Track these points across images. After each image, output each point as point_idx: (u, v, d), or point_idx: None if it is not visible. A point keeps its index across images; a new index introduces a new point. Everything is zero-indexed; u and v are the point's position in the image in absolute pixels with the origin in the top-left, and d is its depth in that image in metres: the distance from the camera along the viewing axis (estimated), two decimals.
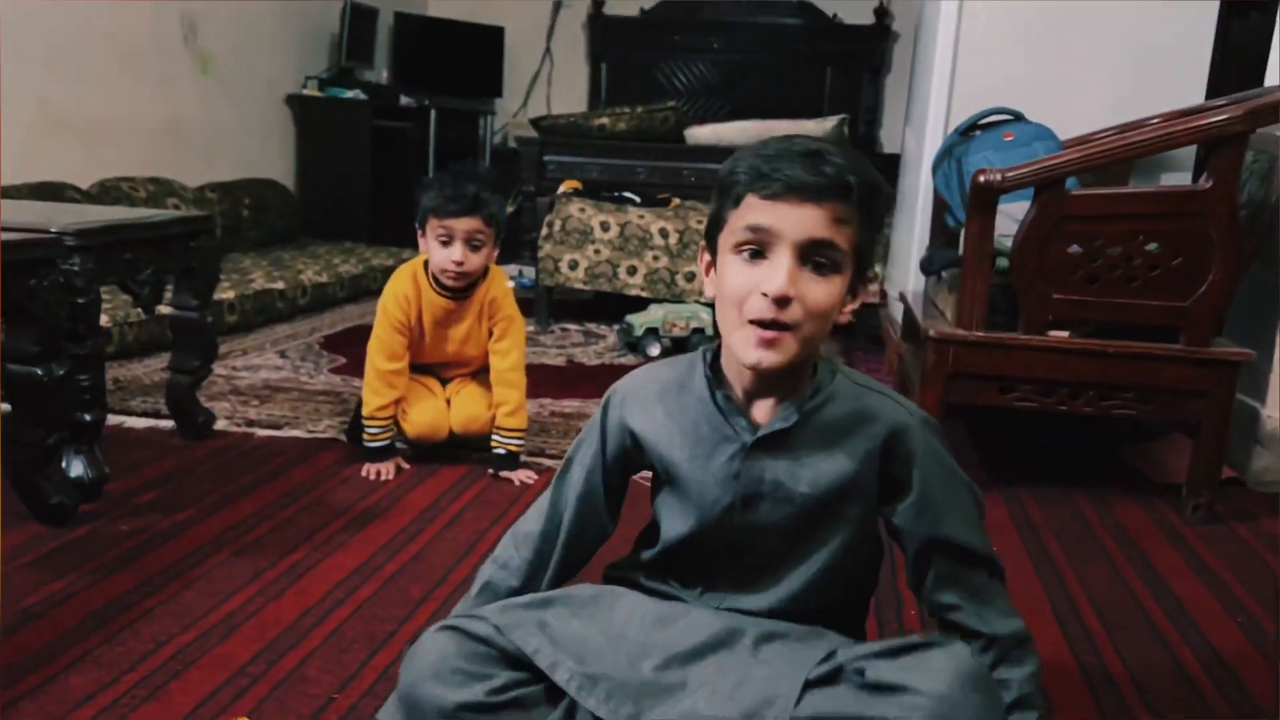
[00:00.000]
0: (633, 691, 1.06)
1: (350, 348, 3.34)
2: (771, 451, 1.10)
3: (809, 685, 1.04)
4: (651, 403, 1.16)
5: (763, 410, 1.11)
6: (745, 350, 1.04)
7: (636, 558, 1.24)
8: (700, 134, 4.67)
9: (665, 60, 5.92)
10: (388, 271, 4.37)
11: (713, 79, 5.89)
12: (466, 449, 2.35)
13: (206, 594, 1.64)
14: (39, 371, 1.73)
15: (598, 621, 1.14)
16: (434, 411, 2.29)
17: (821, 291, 1.02)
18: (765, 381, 1.09)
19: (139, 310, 2.82)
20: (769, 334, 1.02)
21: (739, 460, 1.10)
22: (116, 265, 1.97)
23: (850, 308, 1.07)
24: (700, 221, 3.89)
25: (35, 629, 1.50)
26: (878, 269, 3.74)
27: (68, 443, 1.89)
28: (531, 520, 1.26)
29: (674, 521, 1.17)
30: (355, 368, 2.91)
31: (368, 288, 4.38)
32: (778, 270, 1.00)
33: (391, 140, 5.25)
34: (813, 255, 1.01)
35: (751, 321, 1.02)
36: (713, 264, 1.09)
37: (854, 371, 1.15)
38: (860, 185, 1.02)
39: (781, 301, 1.00)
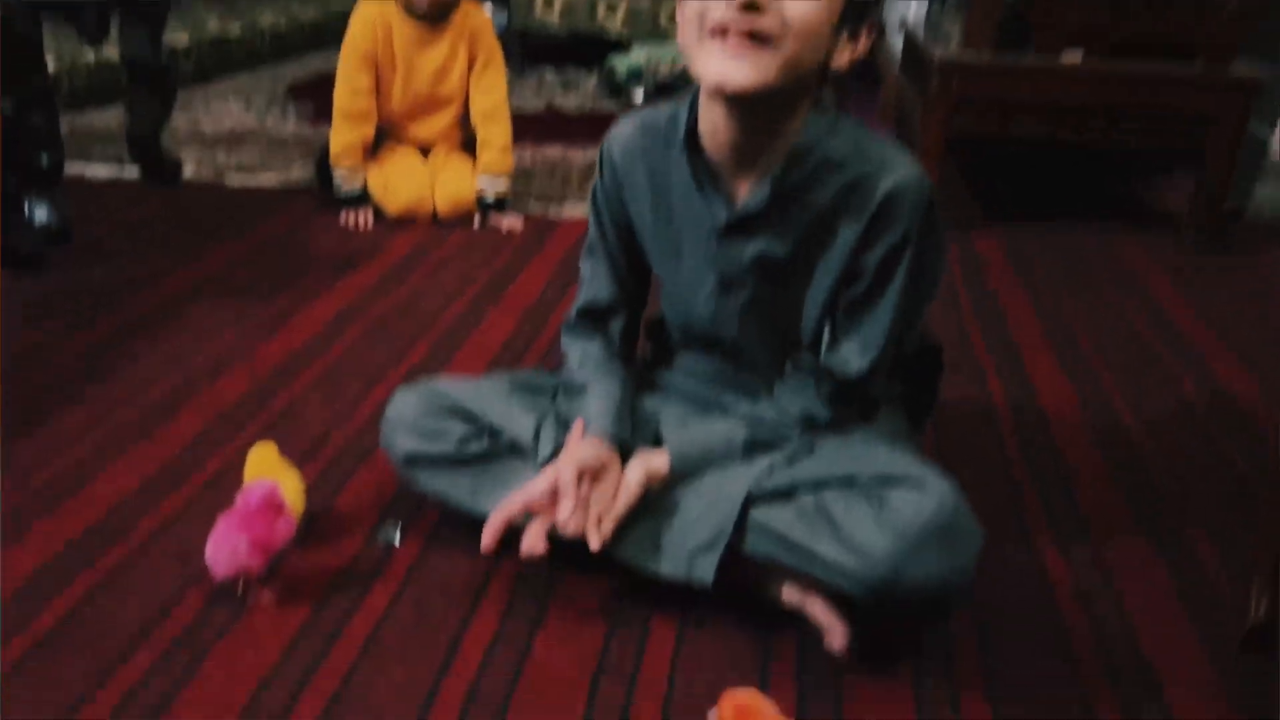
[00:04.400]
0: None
1: (317, 95, 3.15)
2: (750, 232, 0.99)
3: (760, 496, 0.97)
4: (637, 163, 1.05)
5: (743, 181, 0.98)
6: (709, 64, 0.88)
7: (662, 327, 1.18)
8: None
9: None
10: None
11: None
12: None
13: (191, 338, 1.59)
14: (6, 112, 1.60)
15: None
16: (417, 187, 2.14)
17: (805, 3, 0.86)
18: (744, 144, 0.95)
19: (89, 55, 2.64)
20: (738, 43, 0.86)
21: (714, 242, 1.01)
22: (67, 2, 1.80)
23: (848, 54, 0.92)
24: None
25: (19, 374, 1.46)
26: None
27: (28, 187, 1.79)
28: (579, 299, 1.15)
29: (669, 302, 1.11)
30: (324, 115, 2.75)
31: (331, 33, 4.10)
32: None
33: None
34: None
35: (715, 32, 0.87)
36: None
37: (858, 127, 0.98)
38: None
39: (750, 5, 0.84)
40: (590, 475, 0.99)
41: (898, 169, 0.95)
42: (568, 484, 0.97)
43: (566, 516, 0.97)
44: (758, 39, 0.86)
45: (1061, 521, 1.21)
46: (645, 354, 1.22)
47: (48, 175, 1.82)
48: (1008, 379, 1.58)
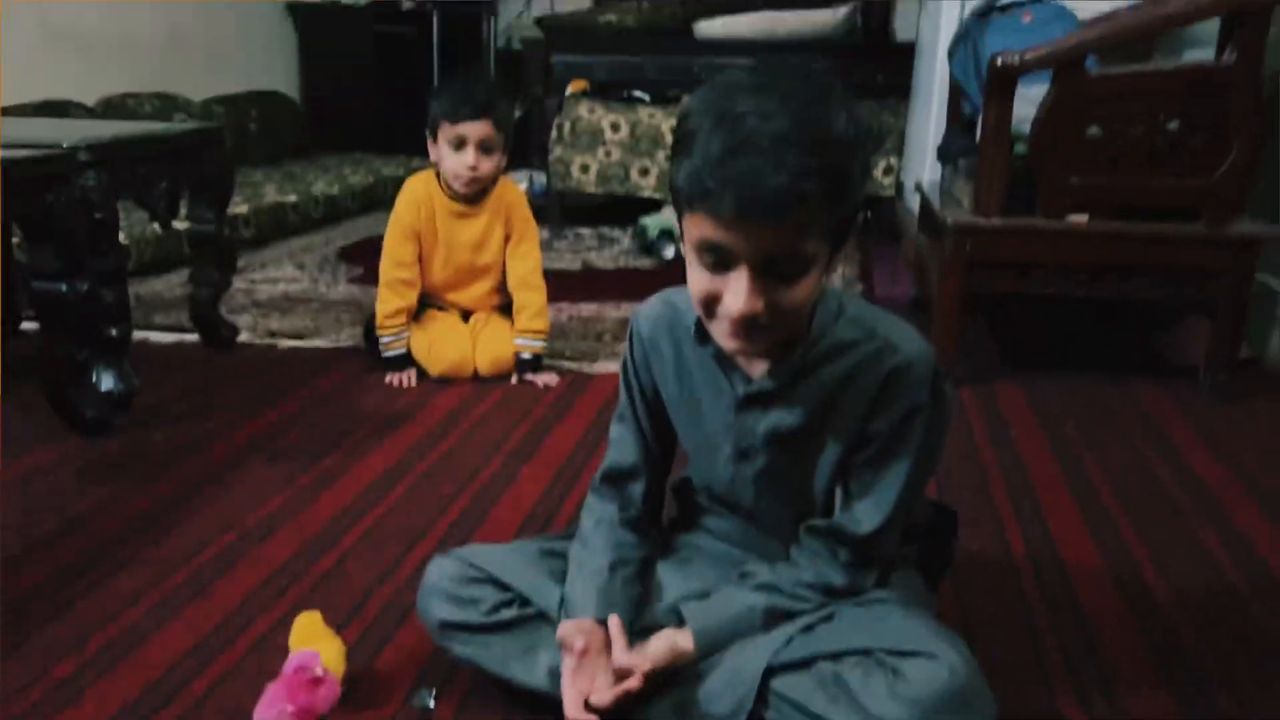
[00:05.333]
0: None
1: (366, 258, 3.34)
2: (764, 405, 1.07)
3: (780, 667, 1.02)
4: (663, 338, 1.14)
5: (758, 360, 1.06)
6: (721, 339, 1.00)
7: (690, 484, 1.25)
8: (710, 28, 4.56)
9: None
10: (398, 182, 4.36)
11: None
12: None
13: (244, 498, 1.68)
14: (63, 288, 1.75)
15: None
16: (459, 350, 2.26)
17: (791, 295, 0.94)
18: None
19: (156, 226, 2.84)
20: (741, 333, 0.96)
21: (731, 414, 1.09)
22: (131, 179, 1.97)
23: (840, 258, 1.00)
24: None
25: (82, 534, 1.55)
26: (891, 162, 3.70)
27: (97, 357, 1.92)
28: (606, 475, 1.22)
29: (692, 466, 1.19)
30: (373, 277, 2.91)
31: (379, 198, 4.36)
32: (738, 290, 0.92)
33: (394, 46, 5.16)
34: (776, 267, 0.92)
35: (711, 316, 0.98)
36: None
37: (863, 306, 1.07)
38: (824, 176, 0.88)
39: (748, 323, 0.94)
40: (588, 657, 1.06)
41: (904, 346, 1.03)
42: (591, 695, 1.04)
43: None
44: (758, 326, 0.95)
45: (1082, 675, 1.23)
46: (672, 513, 1.28)
47: (116, 345, 1.95)
48: (1028, 529, 1.61)
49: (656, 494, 1.23)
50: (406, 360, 2.27)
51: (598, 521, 1.18)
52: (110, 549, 1.51)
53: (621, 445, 1.20)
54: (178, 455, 1.84)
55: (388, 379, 2.26)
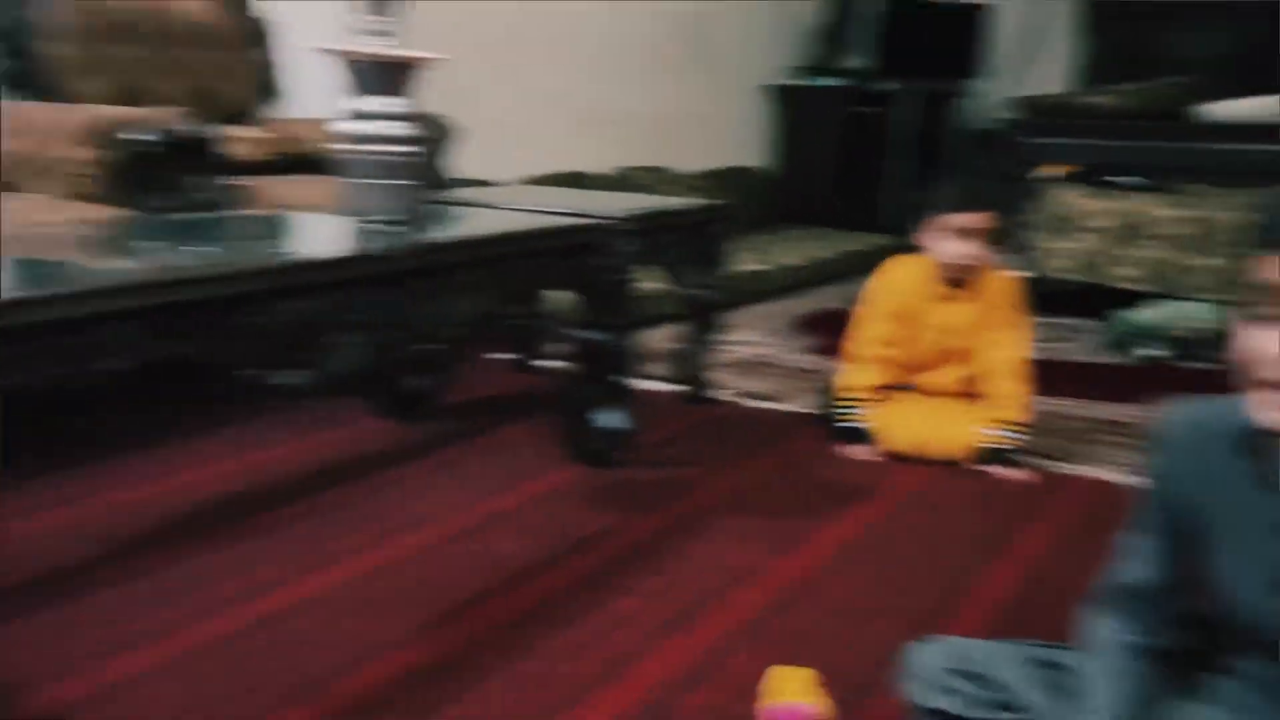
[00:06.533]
0: None
1: (825, 329, 3.45)
2: None
3: None
4: (1194, 449, 1.06)
5: None
6: (1257, 411, 0.93)
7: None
8: (1212, 111, 4.19)
9: (1164, 30, 5.36)
10: (861, 257, 4.48)
11: (1225, 49, 5.24)
12: None
13: (714, 548, 1.81)
14: (600, 337, 2.02)
15: None
16: (920, 430, 2.26)
17: None
18: None
19: (648, 284, 3.15)
20: None
21: (1271, 539, 0.99)
22: (652, 246, 2.24)
23: None
24: (1215, 210, 3.52)
25: (587, 556, 1.76)
26: None
27: (605, 398, 2.18)
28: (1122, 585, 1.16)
29: (1213, 596, 1.08)
30: (831, 348, 3.01)
31: (839, 272, 4.49)
32: None
33: (862, 126, 5.31)
34: None
35: (1264, 383, 0.91)
36: None
37: None
38: None
39: None
40: None
41: None
42: None
43: None
44: None
45: None
46: (1187, 648, 1.18)
47: (622, 389, 2.20)
48: None
49: (1172, 620, 1.14)
50: (863, 434, 2.32)
51: (1108, 643, 1.12)
52: (610, 572, 1.70)
53: (1138, 559, 1.13)
54: (664, 496, 2.04)
55: (842, 449, 2.31)
